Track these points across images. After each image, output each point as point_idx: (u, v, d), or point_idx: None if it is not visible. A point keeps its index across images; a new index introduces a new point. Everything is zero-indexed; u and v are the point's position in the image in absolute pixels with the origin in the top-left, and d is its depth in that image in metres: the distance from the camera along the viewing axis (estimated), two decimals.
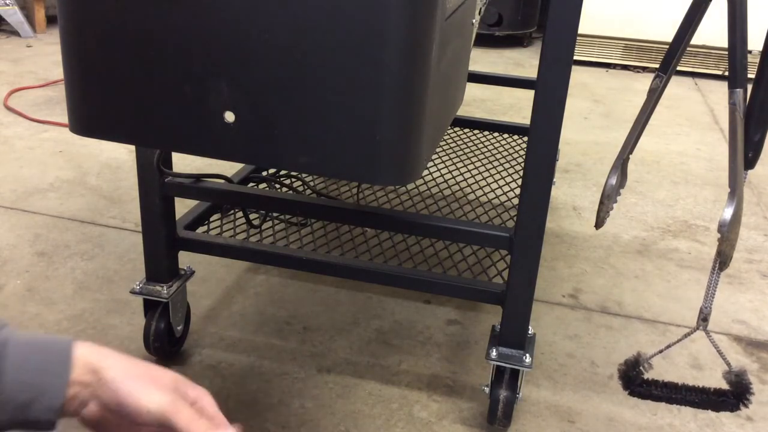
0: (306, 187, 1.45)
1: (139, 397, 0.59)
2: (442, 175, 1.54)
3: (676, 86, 3.00)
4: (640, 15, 3.17)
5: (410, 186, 1.53)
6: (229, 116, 0.67)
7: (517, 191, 1.41)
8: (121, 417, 0.61)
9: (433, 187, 1.52)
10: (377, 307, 1.35)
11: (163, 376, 0.62)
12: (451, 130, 1.77)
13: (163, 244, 1.08)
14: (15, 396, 0.57)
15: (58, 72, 2.68)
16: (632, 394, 0.97)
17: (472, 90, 2.60)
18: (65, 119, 0.70)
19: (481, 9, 1.03)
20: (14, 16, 3.21)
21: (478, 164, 1.61)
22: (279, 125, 0.66)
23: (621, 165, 0.99)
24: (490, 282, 1.10)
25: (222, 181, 1.17)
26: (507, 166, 1.61)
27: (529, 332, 1.01)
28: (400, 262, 1.23)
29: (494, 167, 1.60)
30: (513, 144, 1.73)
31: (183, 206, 1.12)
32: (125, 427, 0.62)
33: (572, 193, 1.91)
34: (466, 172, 1.57)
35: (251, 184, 1.37)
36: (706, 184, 2.04)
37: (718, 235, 0.86)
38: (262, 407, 1.07)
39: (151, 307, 1.12)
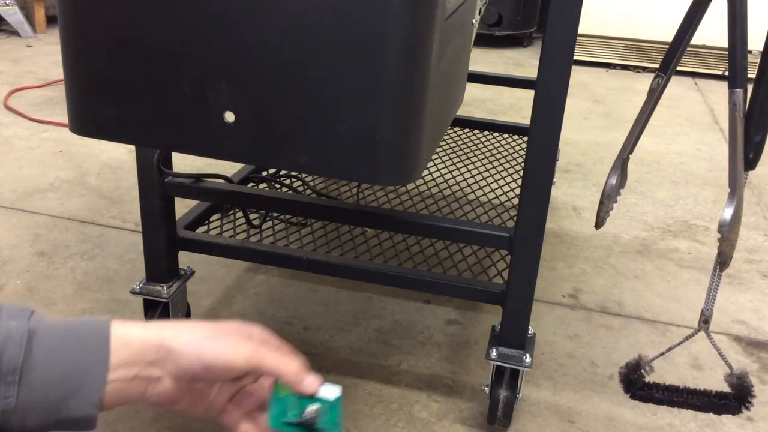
0: (306, 187, 1.45)
1: (225, 355, 0.56)
2: (442, 175, 1.54)
3: (676, 86, 3.00)
4: (640, 15, 3.17)
5: (410, 186, 1.53)
6: (229, 116, 0.67)
7: (517, 191, 1.41)
8: (199, 383, 0.58)
9: (433, 187, 1.52)
10: (377, 307, 1.35)
11: (227, 327, 0.58)
12: (451, 130, 1.77)
13: (163, 244, 1.08)
14: (47, 394, 0.50)
15: (58, 72, 2.68)
16: (633, 397, 0.96)
17: (472, 90, 2.60)
18: (65, 119, 0.70)
19: (481, 9, 1.03)
20: (14, 16, 3.21)
21: (478, 164, 1.61)
22: (279, 125, 0.66)
23: (621, 165, 0.99)
24: (490, 282, 1.10)
25: (222, 181, 1.17)
26: (507, 166, 1.61)
27: (529, 332, 1.01)
28: (400, 262, 1.23)
29: (494, 167, 1.60)
30: (513, 144, 1.73)
31: (183, 206, 1.12)
32: (202, 392, 0.60)
33: (572, 193, 1.91)
34: (466, 172, 1.57)
35: (251, 184, 1.37)
36: (706, 184, 2.04)
37: (718, 235, 0.86)
38: None
39: (151, 307, 1.12)
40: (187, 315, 1.20)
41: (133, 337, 0.54)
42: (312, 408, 0.59)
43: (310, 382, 0.61)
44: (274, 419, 0.59)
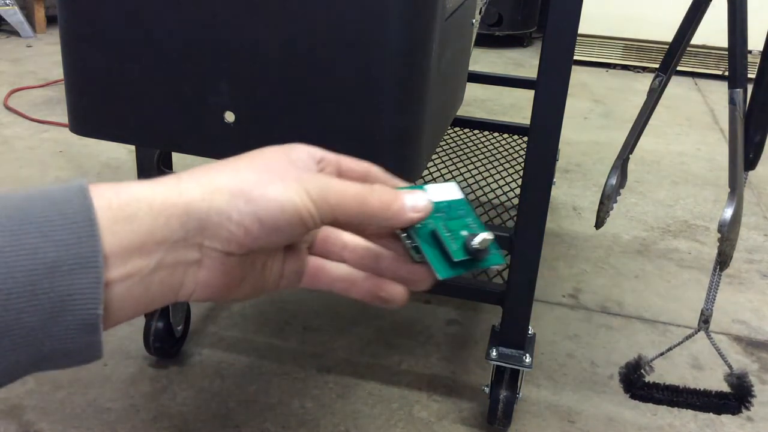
0: None
1: (286, 204, 0.35)
2: (442, 175, 1.54)
3: (676, 86, 3.00)
4: (640, 15, 3.17)
5: None
6: (229, 116, 0.67)
7: (517, 191, 1.41)
8: (259, 253, 0.38)
9: None
10: (377, 307, 1.34)
11: (269, 156, 0.39)
12: (451, 130, 1.77)
13: None
14: (14, 321, 0.29)
15: (58, 72, 2.68)
16: (634, 397, 0.96)
17: (472, 90, 2.60)
18: (65, 119, 0.70)
19: (481, 9, 1.03)
20: (14, 16, 3.21)
21: (478, 164, 1.61)
22: (279, 125, 0.66)
23: (621, 165, 0.99)
24: (490, 282, 1.10)
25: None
26: (507, 166, 1.60)
27: (529, 332, 1.01)
28: None
29: (494, 167, 1.60)
30: (513, 144, 1.73)
31: None
32: (266, 263, 0.40)
33: (572, 193, 1.91)
34: (466, 172, 1.57)
35: None
36: (706, 184, 2.04)
37: (718, 235, 0.86)
38: (262, 407, 1.07)
39: None
40: (187, 315, 1.20)
41: (140, 205, 0.33)
42: (482, 237, 0.41)
43: (413, 203, 0.39)
44: (440, 267, 0.40)
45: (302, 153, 0.39)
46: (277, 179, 0.36)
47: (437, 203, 0.42)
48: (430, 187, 0.43)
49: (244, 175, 0.37)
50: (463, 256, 0.41)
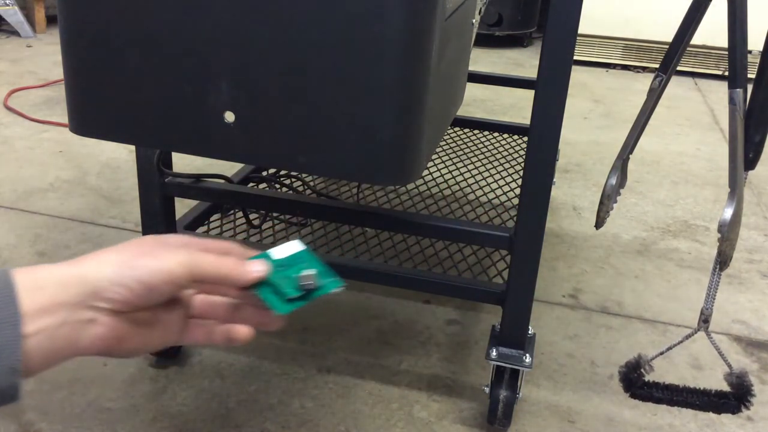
0: (306, 187, 1.45)
1: (161, 266, 0.49)
2: (442, 175, 1.54)
3: (676, 86, 3.00)
4: (640, 15, 3.17)
5: (410, 186, 1.53)
6: (229, 116, 0.67)
7: (517, 191, 1.41)
8: (141, 311, 0.50)
9: (433, 187, 1.52)
10: (377, 307, 1.35)
11: (146, 242, 0.51)
12: (451, 130, 1.77)
13: None
14: None
15: (58, 72, 2.68)
16: (633, 396, 0.96)
17: (472, 90, 2.60)
18: (65, 119, 0.70)
19: (481, 9, 1.03)
20: (14, 16, 3.21)
21: (478, 164, 1.61)
22: (279, 125, 0.66)
23: (621, 165, 0.99)
24: (490, 282, 1.10)
25: (222, 181, 1.17)
26: (507, 166, 1.61)
27: (529, 332, 1.01)
28: (400, 262, 1.23)
29: (494, 167, 1.60)
30: (513, 144, 1.73)
31: (183, 206, 1.12)
32: (150, 321, 0.52)
33: (572, 193, 1.91)
34: (466, 172, 1.57)
35: (251, 184, 1.37)
36: (706, 184, 2.04)
37: (718, 235, 0.86)
38: (262, 407, 1.07)
39: None
40: None
41: (47, 279, 0.45)
42: (305, 274, 0.56)
43: (254, 267, 0.55)
44: (277, 306, 0.55)
45: (173, 237, 0.53)
46: (153, 254, 0.50)
47: (279, 260, 0.57)
48: (274, 249, 0.58)
49: (128, 252, 0.50)
50: (295, 293, 0.55)
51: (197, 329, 0.58)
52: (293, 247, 0.59)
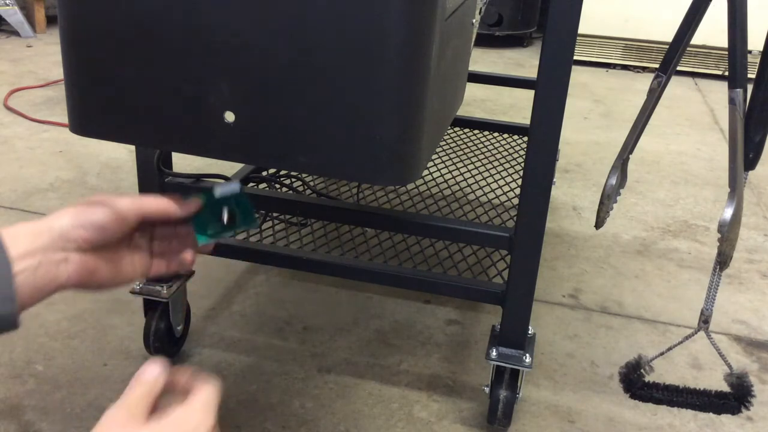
0: (306, 187, 1.45)
1: (112, 209, 0.62)
2: (442, 175, 1.54)
3: (676, 86, 3.00)
4: (640, 15, 3.17)
5: (410, 186, 1.53)
6: (229, 116, 0.67)
7: (517, 191, 1.41)
8: (105, 249, 0.63)
9: (433, 187, 1.52)
10: (377, 307, 1.35)
11: (94, 198, 0.64)
12: (451, 130, 1.77)
13: None
14: None
15: (58, 72, 2.68)
16: (633, 397, 0.96)
17: (472, 90, 2.60)
18: (65, 119, 0.71)
19: (481, 9, 1.03)
20: (14, 16, 3.21)
21: (478, 164, 1.61)
22: (279, 125, 0.66)
23: (621, 165, 0.99)
24: (490, 282, 1.10)
25: (222, 181, 1.17)
26: (507, 166, 1.61)
27: (529, 332, 1.01)
28: (400, 262, 1.23)
29: (494, 167, 1.60)
30: (513, 144, 1.73)
31: None
32: (115, 257, 0.65)
33: (572, 193, 1.91)
34: (466, 172, 1.57)
35: (251, 184, 1.36)
36: (706, 184, 2.04)
37: (718, 235, 0.86)
38: (262, 407, 1.07)
39: (151, 307, 1.12)
40: (187, 315, 1.20)
41: (22, 231, 0.58)
42: (227, 211, 0.71)
43: (186, 203, 0.69)
44: (201, 237, 0.70)
45: (122, 196, 0.65)
46: (104, 202, 0.62)
47: (215, 198, 0.71)
48: (216, 188, 0.71)
49: (83, 203, 0.62)
50: (216, 228, 0.71)
51: (158, 263, 0.71)
52: (231, 188, 0.72)
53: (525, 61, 3.32)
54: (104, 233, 0.62)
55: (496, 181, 1.53)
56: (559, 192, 1.90)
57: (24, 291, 0.56)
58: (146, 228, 0.69)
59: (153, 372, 0.57)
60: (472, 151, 1.67)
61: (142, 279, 1.10)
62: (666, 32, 2.89)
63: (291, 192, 1.41)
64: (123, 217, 0.63)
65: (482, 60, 3.29)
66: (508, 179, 1.53)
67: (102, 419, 0.52)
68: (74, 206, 0.62)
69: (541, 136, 0.88)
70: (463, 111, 1.80)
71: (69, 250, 0.60)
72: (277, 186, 1.40)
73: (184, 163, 1.81)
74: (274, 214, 1.32)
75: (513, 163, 1.62)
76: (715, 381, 1.18)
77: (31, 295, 0.57)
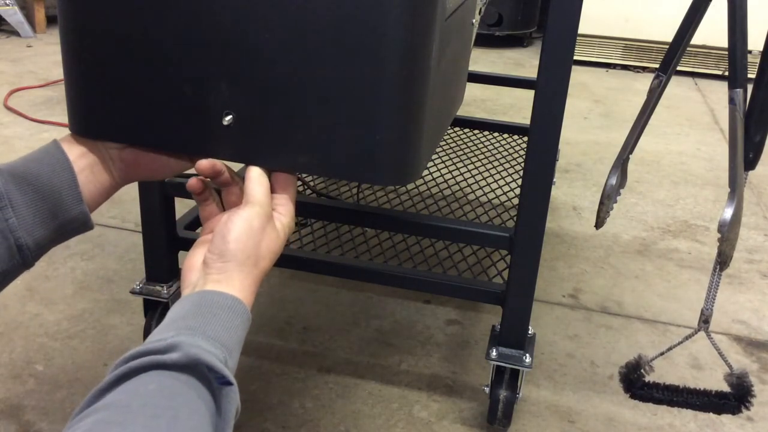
0: (306, 187, 1.45)
1: None
2: (442, 175, 1.54)
3: (676, 86, 3.00)
4: (640, 15, 3.17)
5: (410, 186, 1.53)
6: (229, 117, 0.67)
7: (517, 191, 1.41)
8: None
9: (433, 187, 1.52)
10: (377, 307, 1.35)
11: None
12: (451, 130, 1.77)
13: (163, 244, 1.08)
14: (38, 207, 0.61)
15: (58, 72, 2.68)
16: (634, 397, 0.96)
17: (472, 90, 2.60)
18: (65, 119, 0.71)
19: (481, 9, 1.03)
20: (14, 16, 3.21)
21: (478, 164, 1.61)
22: (278, 126, 0.66)
23: (621, 165, 0.99)
24: (490, 282, 1.10)
25: None
26: (507, 166, 1.61)
27: (529, 332, 1.01)
28: (400, 262, 1.23)
29: (494, 167, 1.60)
30: (513, 144, 1.73)
31: (183, 206, 1.12)
32: (151, 155, 0.71)
33: (572, 193, 1.91)
34: (466, 172, 1.57)
35: None
36: (706, 184, 2.04)
37: (718, 235, 0.86)
38: (262, 407, 1.07)
39: (151, 307, 1.12)
40: None
41: (69, 136, 0.68)
42: None
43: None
44: None
45: None
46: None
47: None
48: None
49: None
50: None
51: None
52: None
53: (525, 61, 3.32)
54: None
55: (496, 181, 1.53)
56: (559, 192, 1.90)
57: (88, 191, 0.65)
58: None
59: (256, 170, 0.66)
60: (472, 151, 1.67)
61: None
62: (666, 32, 2.89)
63: None
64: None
65: (482, 60, 3.28)
66: (508, 179, 1.53)
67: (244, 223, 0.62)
68: None
69: (541, 136, 0.88)
70: (463, 111, 1.80)
71: (111, 148, 0.69)
72: None
73: None
74: None
75: (513, 163, 1.62)
76: (715, 381, 1.18)
77: (94, 194, 0.66)
